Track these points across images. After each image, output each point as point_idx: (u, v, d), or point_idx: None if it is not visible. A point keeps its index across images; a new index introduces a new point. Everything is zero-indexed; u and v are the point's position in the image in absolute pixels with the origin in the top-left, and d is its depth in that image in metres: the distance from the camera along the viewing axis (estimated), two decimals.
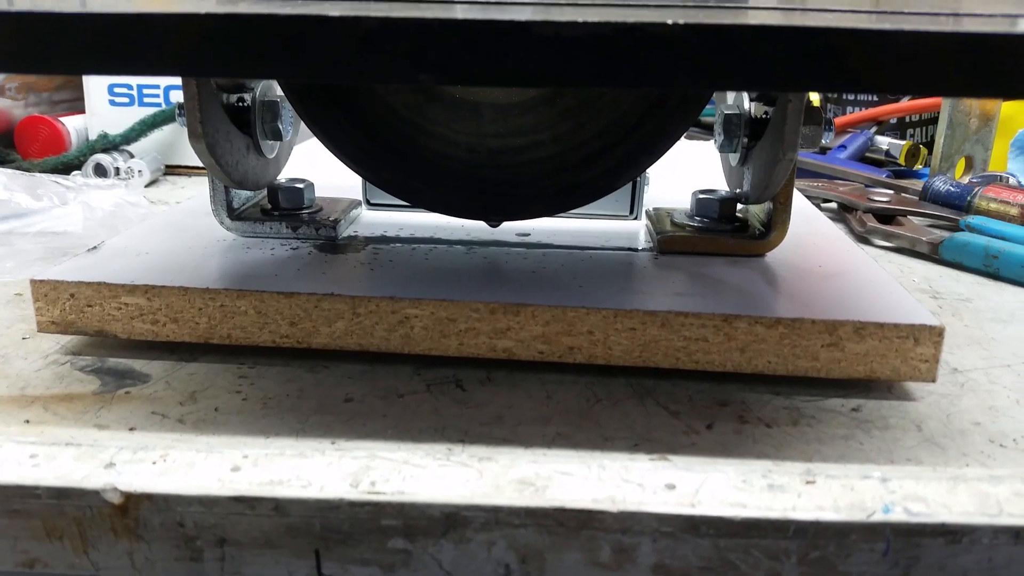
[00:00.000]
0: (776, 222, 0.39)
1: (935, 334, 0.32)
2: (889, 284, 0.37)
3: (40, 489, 0.26)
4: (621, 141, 0.39)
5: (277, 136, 0.41)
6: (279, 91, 0.42)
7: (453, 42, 0.24)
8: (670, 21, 0.23)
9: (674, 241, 0.40)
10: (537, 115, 0.39)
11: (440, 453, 0.28)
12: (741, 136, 0.40)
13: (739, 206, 0.42)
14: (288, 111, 0.42)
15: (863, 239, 0.55)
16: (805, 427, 0.31)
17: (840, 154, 0.71)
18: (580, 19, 0.23)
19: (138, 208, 0.56)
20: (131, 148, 0.67)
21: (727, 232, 0.41)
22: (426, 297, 0.33)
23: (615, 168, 0.39)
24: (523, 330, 0.33)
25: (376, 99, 0.39)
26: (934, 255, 0.51)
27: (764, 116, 0.39)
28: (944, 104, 0.63)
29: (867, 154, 0.73)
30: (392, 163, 0.40)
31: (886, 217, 0.56)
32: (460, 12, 0.24)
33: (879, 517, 0.25)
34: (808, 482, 0.27)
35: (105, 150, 0.65)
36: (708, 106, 0.89)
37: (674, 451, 0.29)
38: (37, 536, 0.26)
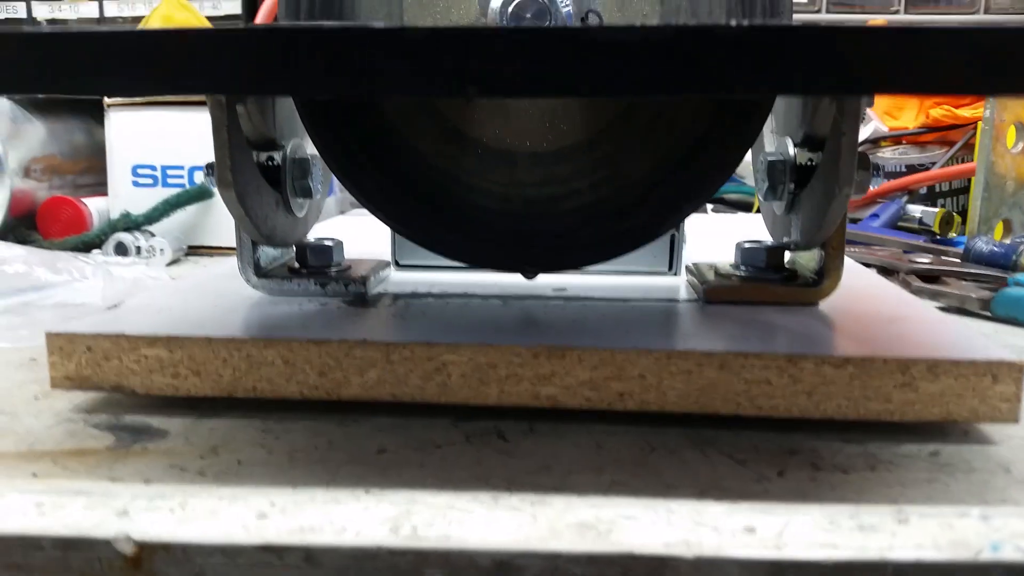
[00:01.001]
0: (829, 269, 0.37)
1: (1015, 371, 0.30)
2: (955, 324, 0.34)
3: (45, 540, 0.23)
4: (661, 188, 0.37)
5: (307, 194, 0.40)
6: (310, 150, 0.41)
7: (501, 51, 0.22)
8: (733, 22, 0.22)
9: (721, 290, 0.38)
10: (574, 163, 0.38)
11: (486, 499, 0.25)
12: (787, 182, 0.38)
13: (787, 256, 0.40)
14: (318, 170, 0.41)
15: None
16: (884, 472, 0.28)
17: (873, 223, 0.69)
18: (638, 23, 0.22)
19: (159, 281, 0.55)
20: (153, 228, 0.66)
21: (776, 280, 0.39)
22: (462, 341, 0.31)
23: (655, 216, 0.38)
24: (568, 375, 0.31)
25: (408, 149, 0.38)
26: (985, 311, 0.49)
27: (809, 163, 0.38)
28: (979, 169, 0.62)
29: (900, 223, 0.71)
30: (424, 215, 0.38)
31: (929, 278, 0.54)
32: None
33: (988, 556, 0.22)
34: (901, 521, 0.24)
35: (127, 229, 0.64)
36: (728, 183, 0.87)
37: (746, 498, 0.26)
38: None
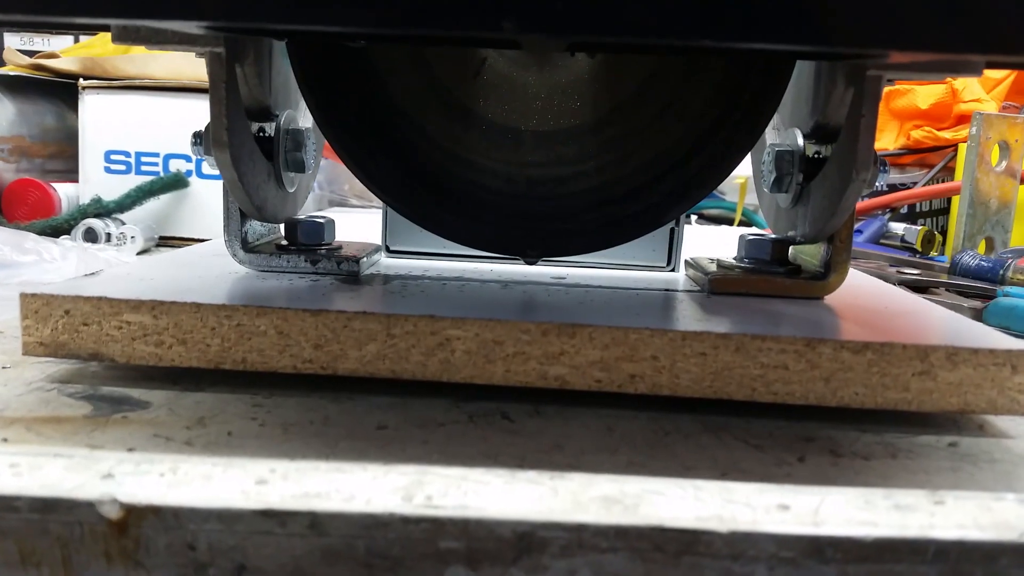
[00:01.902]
0: (836, 263, 0.37)
1: None
2: (966, 320, 0.34)
3: (20, 501, 0.21)
4: (670, 173, 0.37)
5: (299, 167, 0.39)
6: (302, 122, 0.40)
7: None
8: None
9: (727, 281, 0.37)
10: (581, 143, 0.37)
11: (502, 472, 0.24)
12: (795, 173, 0.38)
13: (791, 251, 0.40)
14: (312, 142, 0.40)
15: None
16: (906, 460, 0.27)
17: (857, 238, 0.69)
18: None
19: (128, 266, 0.52)
20: (124, 216, 0.64)
21: (782, 274, 0.38)
22: (469, 316, 0.30)
23: (662, 202, 0.37)
24: (579, 355, 0.30)
25: (410, 125, 0.37)
26: (978, 319, 0.49)
27: (817, 156, 0.37)
28: (964, 186, 0.62)
29: (882, 240, 0.72)
30: (425, 193, 0.37)
31: (919, 289, 0.54)
32: None
33: None
34: (937, 503, 0.23)
35: (98, 215, 0.62)
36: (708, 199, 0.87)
37: (770, 480, 0.25)
38: (9, 561, 0.21)
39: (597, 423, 0.29)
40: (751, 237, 0.39)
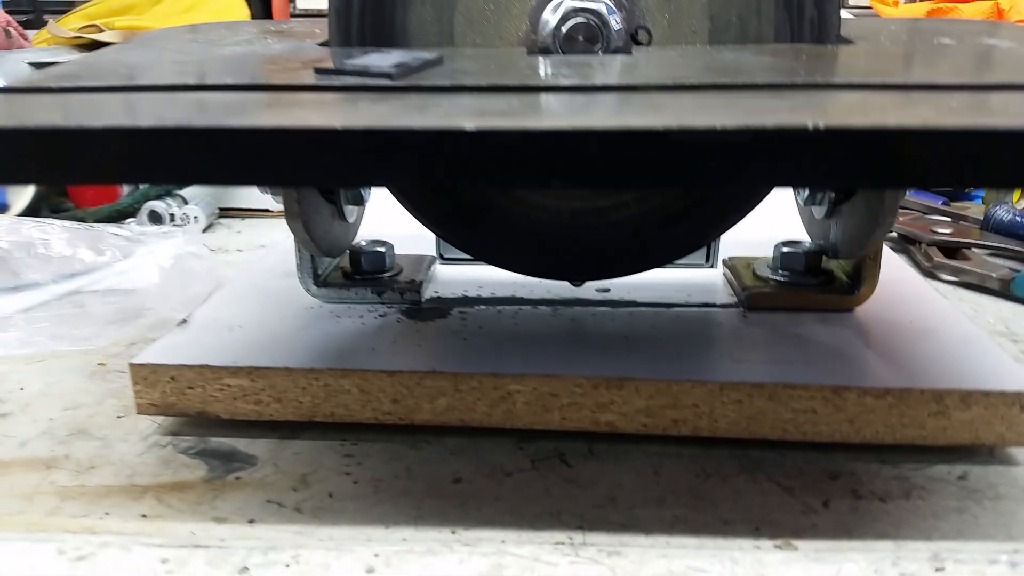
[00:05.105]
0: (866, 277, 0.39)
1: None
2: (983, 343, 0.37)
3: None
4: (706, 200, 0.39)
5: (359, 201, 0.41)
6: None
7: (589, 153, 0.23)
8: (810, 124, 0.23)
9: (762, 297, 0.40)
10: None
11: (565, 545, 0.28)
12: (826, 192, 0.39)
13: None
14: None
15: (930, 274, 0.55)
16: (918, 500, 0.31)
17: None
18: (718, 125, 0.23)
19: (201, 259, 0.56)
20: (184, 193, 0.67)
21: (814, 286, 0.41)
22: (527, 372, 0.34)
23: (700, 227, 0.39)
24: (626, 404, 0.33)
25: None
26: (1005, 291, 0.51)
27: None
28: None
29: None
30: (473, 226, 0.40)
31: (950, 249, 0.56)
32: (597, 119, 0.24)
33: None
34: (938, 569, 0.27)
35: (158, 196, 0.65)
36: None
37: (797, 535, 0.29)
38: None
39: (645, 465, 0.33)
40: (786, 250, 0.42)
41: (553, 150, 0.23)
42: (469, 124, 0.23)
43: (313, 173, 0.24)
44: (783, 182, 0.24)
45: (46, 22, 0.84)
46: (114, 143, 0.24)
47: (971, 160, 0.22)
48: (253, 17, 0.99)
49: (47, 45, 0.76)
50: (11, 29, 0.74)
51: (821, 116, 0.24)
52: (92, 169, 0.24)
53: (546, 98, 0.27)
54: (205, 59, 0.33)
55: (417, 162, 0.24)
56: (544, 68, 0.31)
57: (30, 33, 0.85)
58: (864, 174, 0.23)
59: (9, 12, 0.88)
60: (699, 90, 0.28)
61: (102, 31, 0.71)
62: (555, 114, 0.25)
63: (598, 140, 0.23)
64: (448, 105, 0.25)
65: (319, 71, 0.30)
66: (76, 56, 0.70)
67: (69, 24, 0.78)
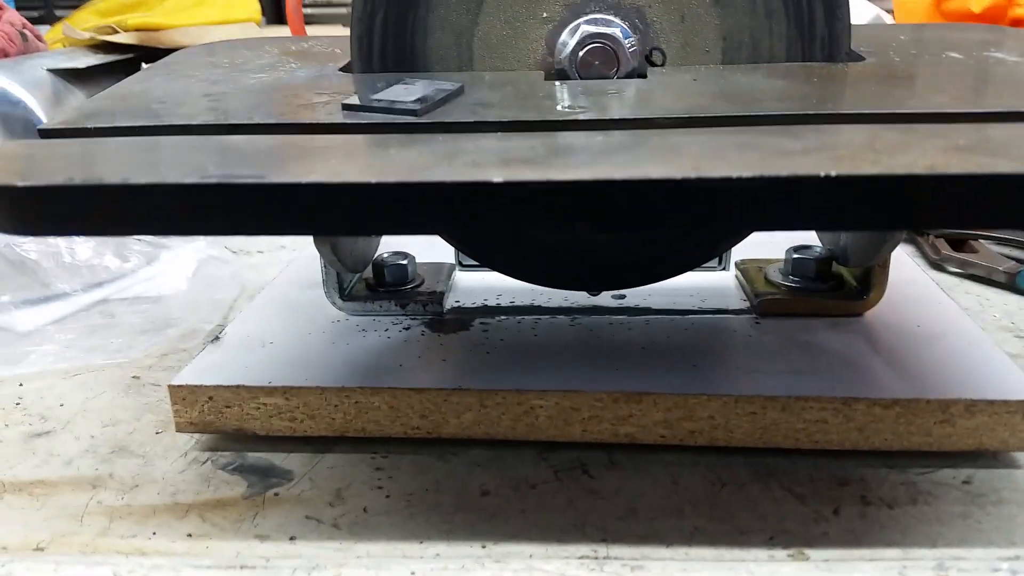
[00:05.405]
0: (875, 283, 0.40)
1: None
2: (989, 348, 0.38)
3: None
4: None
5: None
6: None
7: (609, 200, 0.25)
8: (822, 173, 0.24)
9: (773, 304, 0.42)
10: None
11: (589, 559, 0.30)
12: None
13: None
14: None
15: (937, 266, 0.56)
16: (923, 505, 0.32)
17: None
18: (733, 175, 0.24)
19: (224, 263, 0.58)
20: None
21: (824, 292, 0.42)
22: (549, 388, 0.35)
23: (713, 239, 0.40)
24: (645, 416, 0.35)
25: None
26: (1011, 284, 0.52)
27: None
28: None
29: None
30: (495, 241, 0.41)
31: (957, 241, 0.57)
32: (616, 167, 0.25)
33: None
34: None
35: None
36: None
37: (809, 543, 0.30)
38: None
39: (664, 474, 0.35)
40: (796, 256, 0.43)
41: (575, 198, 0.25)
42: (497, 177, 0.24)
43: (345, 223, 0.25)
44: (796, 226, 0.26)
45: (57, 17, 0.85)
46: (156, 198, 0.25)
47: (977, 205, 0.23)
48: (263, 9, 0.99)
49: (62, 47, 0.77)
50: (27, 32, 0.75)
51: (832, 160, 0.25)
52: (136, 222, 0.26)
53: (564, 138, 0.28)
54: (232, 91, 0.34)
55: (446, 211, 0.25)
56: (562, 97, 0.32)
57: (43, 30, 0.85)
58: (873, 218, 0.24)
59: (20, 9, 0.88)
60: (713, 124, 0.29)
61: (116, 32, 0.72)
62: (576, 161, 0.26)
63: (618, 189, 0.24)
64: (474, 150, 0.26)
65: (346, 107, 0.31)
66: (92, 59, 0.71)
67: (82, 22, 0.79)
